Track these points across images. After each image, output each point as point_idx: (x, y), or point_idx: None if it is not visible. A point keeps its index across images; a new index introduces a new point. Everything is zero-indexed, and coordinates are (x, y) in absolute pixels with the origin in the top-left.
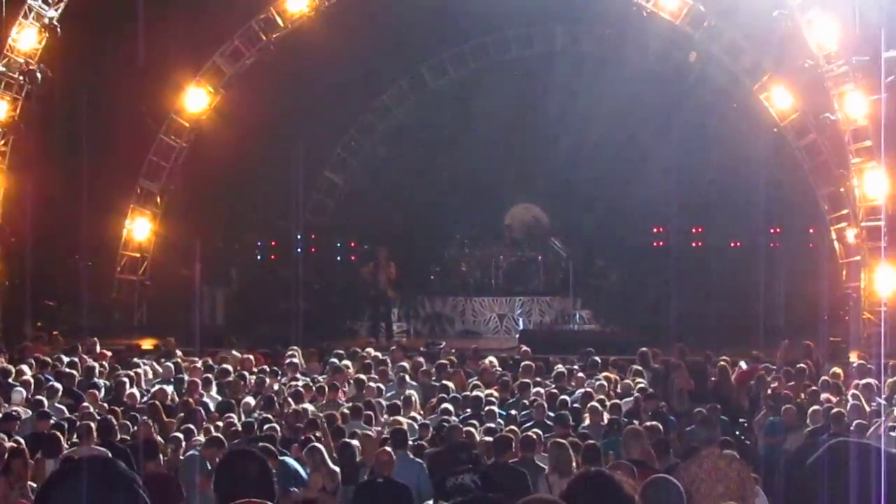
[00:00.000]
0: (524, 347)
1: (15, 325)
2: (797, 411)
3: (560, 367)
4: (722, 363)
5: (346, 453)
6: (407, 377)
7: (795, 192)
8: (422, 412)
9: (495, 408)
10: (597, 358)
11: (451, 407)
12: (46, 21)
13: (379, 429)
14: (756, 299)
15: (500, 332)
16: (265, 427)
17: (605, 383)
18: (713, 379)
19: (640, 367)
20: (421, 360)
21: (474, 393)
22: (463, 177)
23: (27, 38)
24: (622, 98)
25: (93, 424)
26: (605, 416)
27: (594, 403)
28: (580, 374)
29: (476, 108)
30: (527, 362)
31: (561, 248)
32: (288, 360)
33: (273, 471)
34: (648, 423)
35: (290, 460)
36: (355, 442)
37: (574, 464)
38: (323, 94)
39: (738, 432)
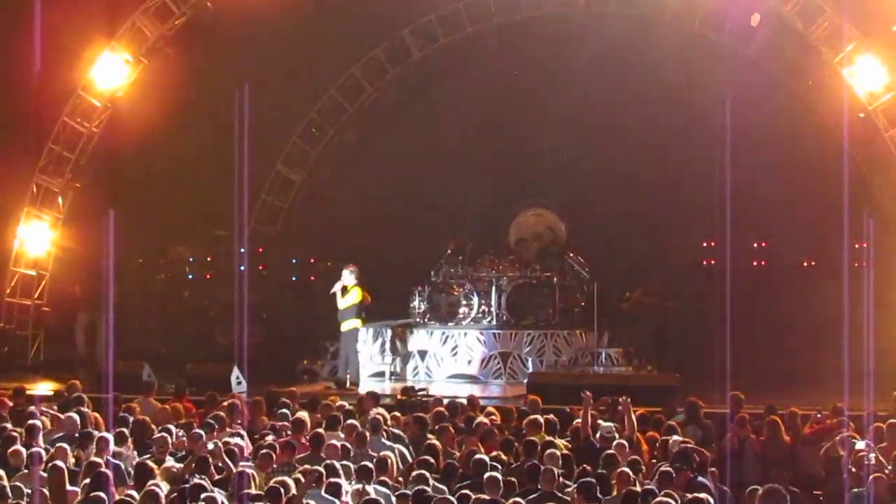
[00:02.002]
0: (533, 396)
1: None
2: (890, 483)
3: (580, 422)
4: (776, 417)
5: None
6: (382, 433)
7: (888, 197)
8: (401, 479)
9: (498, 475)
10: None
11: (427, 474)
12: None
13: (347, 500)
14: (837, 333)
15: (502, 376)
16: (199, 497)
17: (639, 442)
18: (786, 438)
19: (685, 422)
20: (398, 413)
21: (472, 456)
22: (456, 174)
23: None
24: (659, 75)
25: None
26: (639, 486)
27: (625, 469)
28: (606, 432)
29: (472, 83)
30: (536, 416)
31: (582, 266)
32: (227, 410)
33: None
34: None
35: None
36: None
37: None
38: (276, 66)
39: None
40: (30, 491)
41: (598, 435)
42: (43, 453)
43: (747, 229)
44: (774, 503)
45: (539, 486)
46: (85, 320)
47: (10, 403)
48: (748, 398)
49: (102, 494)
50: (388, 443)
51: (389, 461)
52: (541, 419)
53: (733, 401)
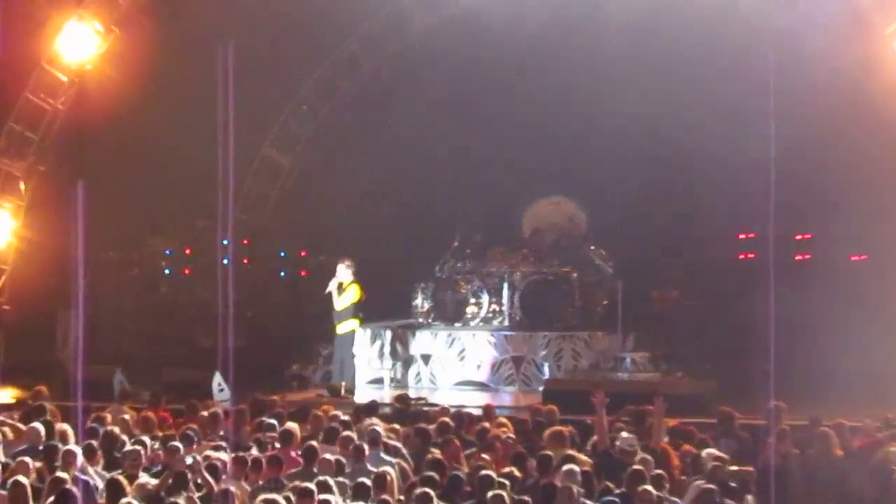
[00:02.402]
0: (549, 406)
1: None
2: None
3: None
4: (826, 429)
5: None
6: (381, 446)
7: None
8: (401, 497)
9: (505, 494)
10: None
11: (431, 492)
12: None
13: None
14: (888, 335)
15: (515, 383)
16: None
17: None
18: (838, 453)
19: (719, 434)
20: (396, 425)
21: (479, 472)
22: (463, 157)
23: None
24: (691, 49)
25: None
26: None
27: (647, 487)
28: (627, 445)
29: (480, 58)
30: (554, 428)
31: (605, 261)
32: (206, 420)
33: None
34: None
35: None
36: None
37: None
38: (262, 40)
39: None
40: None
41: (616, 446)
42: (1, 468)
43: (788, 220)
44: None
45: None
46: (65, 319)
47: None
48: (789, 408)
49: None
50: (386, 457)
51: (389, 477)
52: (564, 431)
53: (774, 412)
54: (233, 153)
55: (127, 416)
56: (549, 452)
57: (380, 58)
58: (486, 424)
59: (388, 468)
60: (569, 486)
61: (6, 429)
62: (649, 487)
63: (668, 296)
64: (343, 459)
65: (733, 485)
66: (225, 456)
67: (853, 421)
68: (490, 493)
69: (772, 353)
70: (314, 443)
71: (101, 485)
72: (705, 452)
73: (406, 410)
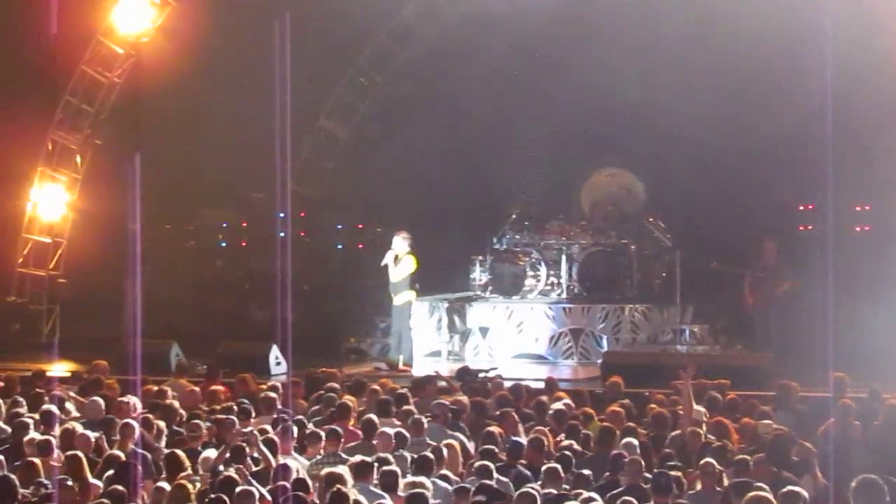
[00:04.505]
0: (612, 378)
1: None
2: None
3: (658, 408)
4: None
5: None
6: (442, 420)
7: None
8: (462, 471)
9: (558, 466)
10: (716, 394)
11: (492, 465)
12: None
13: (402, 494)
14: None
15: (573, 356)
16: (233, 491)
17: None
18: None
19: (777, 408)
20: (463, 398)
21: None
22: (520, 128)
23: None
24: (749, 17)
25: None
26: (725, 479)
27: (709, 460)
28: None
29: (537, 28)
30: (616, 404)
31: (663, 233)
32: (263, 395)
33: None
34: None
35: None
36: None
37: None
38: (318, 11)
39: None
40: (48, 483)
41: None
42: (58, 441)
43: (849, 190)
44: (871, 496)
45: (621, 479)
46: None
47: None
48: (851, 380)
49: (126, 488)
50: (448, 431)
51: (450, 451)
52: (622, 407)
53: (835, 384)
54: (289, 125)
55: (185, 390)
56: (610, 425)
57: (436, 27)
58: (546, 397)
59: (452, 441)
60: (637, 459)
61: (70, 404)
62: (711, 460)
63: (792, 286)
64: (404, 433)
65: (796, 459)
66: (281, 430)
67: None
68: (546, 467)
69: (830, 326)
70: (373, 416)
71: (160, 458)
72: (762, 424)
73: (466, 381)
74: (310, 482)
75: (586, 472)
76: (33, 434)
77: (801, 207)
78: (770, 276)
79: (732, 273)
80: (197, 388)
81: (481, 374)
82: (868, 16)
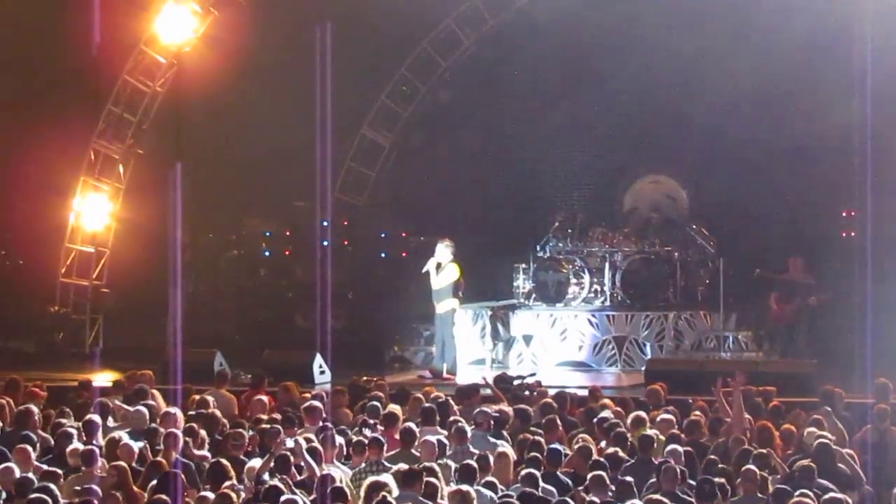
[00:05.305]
0: (652, 385)
1: None
2: None
3: (697, 414)
4: None
5: None
6: (486, 429)
7: None
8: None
9: (605, 474)
10: (759, 400)
11: (537, 473)
12: None
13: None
14: None
15: (617, 363)
16: (278, 500)
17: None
18: None
19: (821, 416)
20: (507, 409)
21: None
22: (563, 136)
23: None
24: (791, 19)
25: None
26: (770, 485)
27: (750, 467)
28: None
29: (579, 35)
30: (663, 412)
31: (706, 240)
32: (307, 403)
33: None
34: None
35: None
36: None
37: None
38: (361, 20)
39: None
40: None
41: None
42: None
43: (891, 196)
44: None
45: (660, 485)
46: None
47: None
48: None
49: (170, 498)
50: (492, 439)
51: (502, 459)
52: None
53: (877, 389)
54: (331, 133)
55: (224, 398)
56: (651, 433)
57: (479, 35)
58: (592, 405)
59: (504, 449)
60: (672, 465)
61: (116, 413)
62: (753, 467)
63: (816, 302)
64: (445, 441)
65: (844, 468)
66: (324, 438)
67: None
68: (591, 475)
69: (869, 332)
70: (412, 424)
71: (203, 468)
72: (807, 431)
73: (510, 390)
74: (350, 491)
75: (629, 479)
76: (77, 444)
77: (844, 213)
78: (798, 290)
79: (776, 280)
80: (233, 397)
81: (516, 381)
82: None
